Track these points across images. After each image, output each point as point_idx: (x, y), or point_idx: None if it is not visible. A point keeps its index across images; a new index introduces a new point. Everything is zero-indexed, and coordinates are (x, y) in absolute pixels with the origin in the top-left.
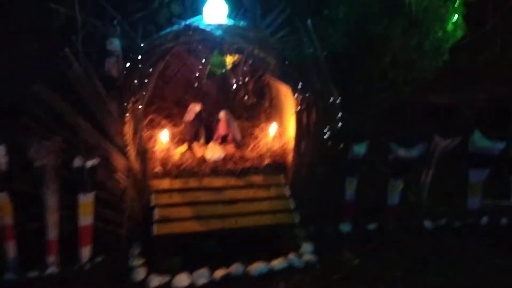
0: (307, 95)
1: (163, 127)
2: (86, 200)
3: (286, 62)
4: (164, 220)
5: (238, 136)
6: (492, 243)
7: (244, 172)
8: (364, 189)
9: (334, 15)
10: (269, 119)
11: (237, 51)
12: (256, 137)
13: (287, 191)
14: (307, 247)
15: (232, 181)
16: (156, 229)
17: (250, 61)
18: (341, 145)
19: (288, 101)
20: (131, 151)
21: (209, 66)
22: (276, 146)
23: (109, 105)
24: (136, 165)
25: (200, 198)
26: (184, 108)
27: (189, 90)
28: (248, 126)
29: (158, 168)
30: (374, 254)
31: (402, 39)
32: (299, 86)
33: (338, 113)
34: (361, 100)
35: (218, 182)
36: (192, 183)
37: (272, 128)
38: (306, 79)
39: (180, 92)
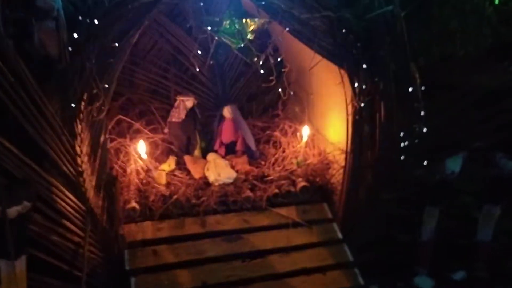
0: (375, 81)
1: (136, 133)
2: (11, 271)
3: (344, 29)
4: None
5: (252, 144)
6: None
7: (270, 203)
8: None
9: None
10: (292, 117)
11: (266, 10)
12: (277, 144)
13: (337, 231)
14: None
15: (251, 218)
16: None
17: (286, 28)
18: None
19: (334, 90)
20: (88, 182)
21: (216, 38)
22: (312, 158)
23: (46, 107)
24: (97, 203)
25: (206, 253)
26: (166, 101)
27: (172, 75)
28: (261, 127)
29: (133, 204)
30: None
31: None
32: (362, 68)
33: (421, 110)
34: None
35: (230, 222)
36: (190, 226)
37: (304, 132)
38: (375, 56)
39: (156, 78)
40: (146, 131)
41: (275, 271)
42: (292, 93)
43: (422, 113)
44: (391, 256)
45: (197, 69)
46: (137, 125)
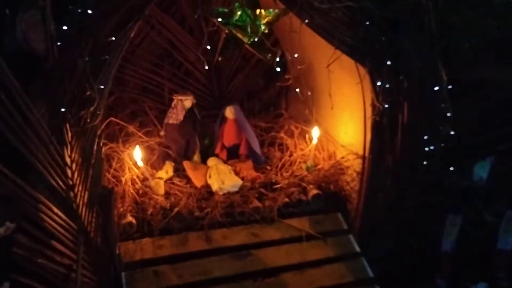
0: (399, 79)
1: (129, 136)
2: None
3: (366, 21)
4: None
5: (257, 147)
6: None
7: (279, 213)
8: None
9: None
10: (297, 117)
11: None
12: (283, 147)
13: (354, 243)
14: None
15: (261, 232)
16: None
17: (305, 20)
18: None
19: (346, 88)
20: (80, 196)
21: (225, 30)
22: (323, 162)
23: (31, 111)
24: (90, 220)
25: (213, 273)
26: (159, 100)
27: (165, 70)
28: (264, 128)
29: (129, 218)
30: None
31: None
32: (386, 64)
33: (448, 111)
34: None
35: (238, 236)
36: (194, 242)
37: (313, 133)
38: (400, 51)
39: (148, 74)
40: (140, 134)
41: None
42: (298, 90)
43: (449, 114)
44: (410, 268)
45: (206, 67)
46: (130, 127)
